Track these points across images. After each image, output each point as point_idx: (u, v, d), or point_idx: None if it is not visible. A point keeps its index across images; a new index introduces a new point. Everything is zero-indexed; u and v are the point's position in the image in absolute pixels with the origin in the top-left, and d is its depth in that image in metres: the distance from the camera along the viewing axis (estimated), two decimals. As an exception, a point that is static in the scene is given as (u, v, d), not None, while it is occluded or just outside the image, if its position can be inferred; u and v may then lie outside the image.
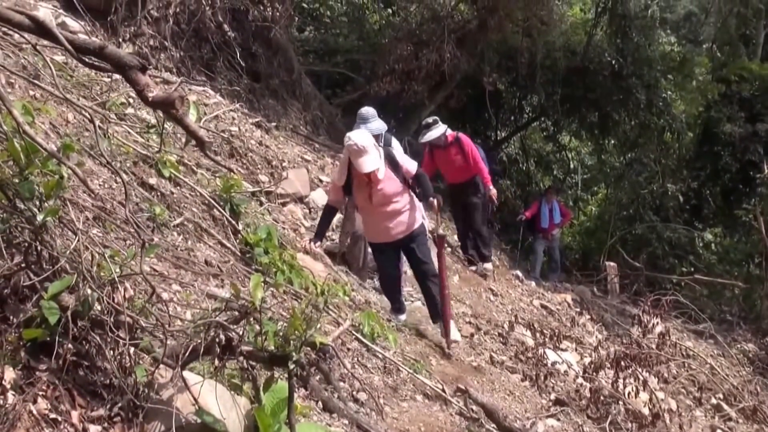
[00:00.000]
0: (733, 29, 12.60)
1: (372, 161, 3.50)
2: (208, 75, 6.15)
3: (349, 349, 3.11)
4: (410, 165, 3.78)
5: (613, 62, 9.92)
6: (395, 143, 4.39)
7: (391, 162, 3.67)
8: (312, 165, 6.00)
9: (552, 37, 10.04)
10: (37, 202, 1.82)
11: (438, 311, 3.85)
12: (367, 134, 3.59)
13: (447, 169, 5.70)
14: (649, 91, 10.11)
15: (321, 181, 5.81)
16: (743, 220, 9.55)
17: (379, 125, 4.27)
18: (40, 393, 1.66)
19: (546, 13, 9.35)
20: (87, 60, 1.94)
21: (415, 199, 3.84)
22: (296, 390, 2.28)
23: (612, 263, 8.61)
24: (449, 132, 5.53)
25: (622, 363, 4.33)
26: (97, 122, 2.95)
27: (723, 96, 10.51)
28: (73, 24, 4.49)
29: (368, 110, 4.38)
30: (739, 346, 6.70)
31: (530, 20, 9.39)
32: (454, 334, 3.92)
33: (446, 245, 4.09)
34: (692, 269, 8.94)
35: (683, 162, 11.12)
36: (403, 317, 4.02)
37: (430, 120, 5.57)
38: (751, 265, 8.89)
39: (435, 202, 3.74)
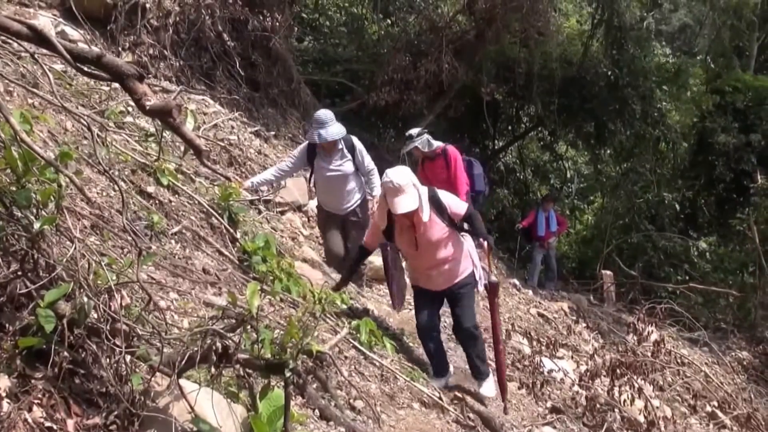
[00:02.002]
0: (727, 41, 12.78)
1: (407, 202, 3.11)
2: (208, 84, 6.19)
3: (346, 357, 3.11)
4: (458, 206, 3.41)
5: (609, 73, 10.04)
6: (358, 144, 4.12)
7: (436, 204, 3.30)
8: (310, 173, 6.01)
9: (549, 48, 10.16)
10: (34, 210, 1.82)
11: (480, 370, 3.46)
12: (406, 171, 3.23)
13: (433, 182, 5.58)
14: (645, 101, 10.23)
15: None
16: (737, 229, 9.65)
17: (338, 129, 3.96)
18: (36, 401, 1.65)
19: (543, 24, 9.46)
20: (85, 69, 1.96)
21: (466, 244, 3.47)
22: (293, 398, 2.28)
23: (608, 272, 8.67)
24: (438, 144, 5.42)
25: (618, 371, 4.35)
26: (96, 131, 2.96)
27: (717, 107, 10.64)
28: (72, 33, 4.51)
29: (326, 113, 4.02)
30: (733, 354, 6.75)
31: (527, 31, 9.50)
32: (488, 389, 3.46)
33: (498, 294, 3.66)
34: (687, 278, 9.01)
35: (678, 172, 11.23)
36: (442, 381, 3.44)
37: (414, 132, 5.36)
38: (746, 274, 8.97)
39: (485, 245, 3.42)
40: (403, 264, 3.70)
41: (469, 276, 3.44)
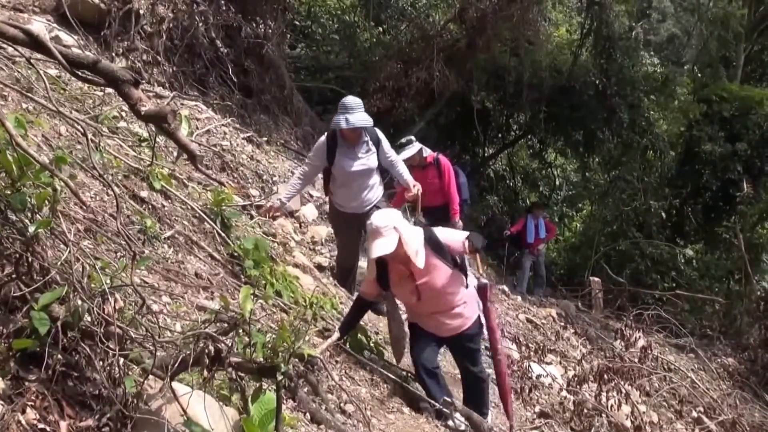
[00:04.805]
0: (714, 51, 12.99)
1: (381, 246, 2.81)
2: (201, 90, 6.20)
3: (337, 362, 3.13)
4: (456, 241, 3.01)
5: (598, 82, 10.18)
6: (382, 137, 3.77)
7: (435, 245, 2.96)
8: (302, 179, 6.03)
9: (539, 56, 10.30)
10: (29, 214, 1.84)
11: (481, 412, 3.15)
12: (391, 214, 2.94)
13: (423, 191, 5.58)
14: (633, 110, 10.39)
15: (311, 196, 5.87)
16: (724, 237, 9.80)
17: (365, 117, 3.58)
18: (29, 403, 1.66)
19: (533, 33, 9.61)
20: (80, 74, 1.99)
21: (471, 289, 3.19)
22: (284, 401, 2.30)
23: (596, 278, 8.77)
24: (429, 153, 5.45)
25: (605, 376, 4.42)
26: (90, 135, 2.98)
27: (704, 116, 10.80)
28: (66, 38, 4.53)
29: (354, 99, 3.60)
30: (719, 360, 6.84)
31: (518, 40, 9.65)
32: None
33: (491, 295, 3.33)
34: (674, 285, 9.09)
35: (665, 180, 11.37)
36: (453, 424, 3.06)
37: (404, 140, 5.33)
38: (732, 281, 9.10)
39: (466, 243, 2.98)
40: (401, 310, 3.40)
41: (476, 323, 3.17)
